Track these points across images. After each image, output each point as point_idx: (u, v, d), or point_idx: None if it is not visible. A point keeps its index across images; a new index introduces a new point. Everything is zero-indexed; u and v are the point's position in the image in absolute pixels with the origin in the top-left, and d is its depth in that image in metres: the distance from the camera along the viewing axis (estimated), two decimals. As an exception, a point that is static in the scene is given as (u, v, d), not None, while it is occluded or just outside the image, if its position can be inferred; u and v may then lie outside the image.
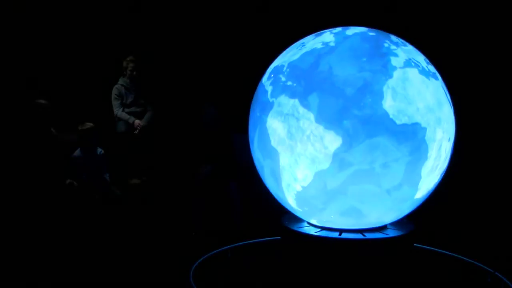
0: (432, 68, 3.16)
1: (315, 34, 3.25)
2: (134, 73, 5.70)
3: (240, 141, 4.53)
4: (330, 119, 2.86)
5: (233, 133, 5.34)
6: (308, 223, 3.38)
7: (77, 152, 4.99)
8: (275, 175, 3.14)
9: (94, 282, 3.66)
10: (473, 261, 3.87)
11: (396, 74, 2.93)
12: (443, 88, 3.15)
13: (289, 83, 3.00)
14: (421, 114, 2.92)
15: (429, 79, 3.04)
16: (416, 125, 2.91)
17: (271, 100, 3.07)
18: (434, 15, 5.53)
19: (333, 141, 2.86)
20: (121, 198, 5.08)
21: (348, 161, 2.87)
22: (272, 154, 3.07)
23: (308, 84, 2.95)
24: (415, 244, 3.52)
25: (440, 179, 3.23)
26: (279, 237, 3.52)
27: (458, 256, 3.97)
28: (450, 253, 4.02)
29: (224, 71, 6.10)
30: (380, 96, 2.86)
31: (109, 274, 3.77)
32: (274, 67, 3.22)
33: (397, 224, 3.40)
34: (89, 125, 4.99)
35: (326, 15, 5.44)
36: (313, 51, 3.07)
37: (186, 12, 6.16)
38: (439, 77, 3.17)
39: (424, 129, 2.94)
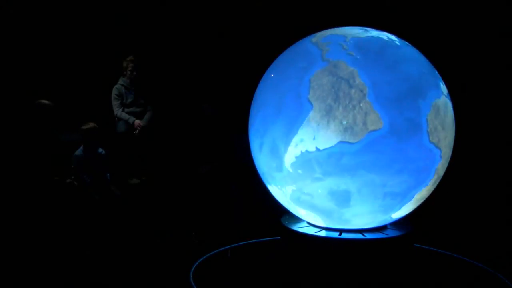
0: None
1: (375, 29, 3.29)
2: (134, 73, 5.71)
3: (239, 142, 4.53)
4: (382, 101, 2.89)
5: (232, 133, 5.34)
6: (308, 223, 3.38)
7: (79, 151, 5.00)
8: (291, 126, 3.02)
9: (94, 282, 3.66)
10: (473, 261, 3.87)
11: (442, 98, 3.11)
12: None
13: (352, 53, 3.00)
14: (444, 145, 3.08)
15: (454, 119, 3.25)
16: (438, 150, 3.05)
17: (325, 59, 3.03)
18: (434, 15, 5.54)
19: (375, 122, 2.87)
20: (121, 198, 5.09)
21: (377, 147, 2.88)
22: (303, 106, 2.98)
23: (373, 62, 2.98)
24: (415, 244, 3.52)
25: (405, 214, 3.28)
26: (279, 237, 3.52)
27: (458, 256, 3.97)
28: (450, 253, 4.03)
29: (224, 71, 6.11)
30: (427, 107, 2.98)
31: (109, 274, 3.77)
32: (331, 35, 3.18)
33: (397, 224, 3.40)
34: (91, 124, 5.00)
35: (324, 16, 5.46)
36: (379, 38, 3.13)
37: (186, 12, 6.17)
38: None
39: (440, 159, 3.08)
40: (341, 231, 3.24)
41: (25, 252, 4.08)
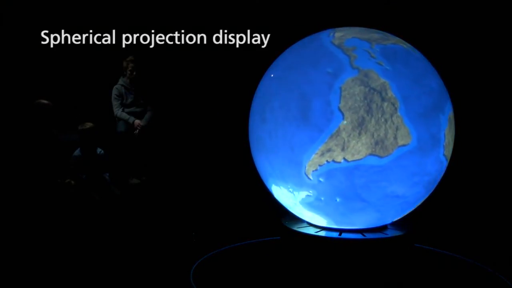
0: None
1: (390, 33, 3.28)
2: (134, 73, 5.71)
3: None
4: (412, 116, 2.90)
5: None
6: (308, 223, 3.38)
7: (77, 152, 4.99)
8: (318, 134, 2.92)
9: (94, 282, 3.66)
10: (473, 261, 3.87)
11: (451, 113, 3.20)
12: None
13: (381, 63, 2.96)
14: (449, 156, 3.19)
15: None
16: (445, 162, 3.16)
17: (354, 67, 2.95)
18: (434, 14, 5.54)
19: (404, 137, 2.89)
20: (121, 198, 5.08)
21: (403, 162, 2.91)
22: (334, 115, 2.90)
23: (402, 74, 2.97)
24: (415, 244, 3.52)
25: (391, 222, 3.35)
26: (279, 237, 3.52)
27: (458, 256, 3.97)
28: (450, 253, 4.03)
29: (223, 71, 6.11)
30: (445, 121, 3.07)
31: (109, 274, 3.77)
32: (353, 38, 3.09)
33: (397, 224, 3.40)
34: (89, 125, 5.00)
35: (324, 15, 5.46)
36: (401, 47, 3.12)
37: (185, 12, 6.17)
38: None
39: (445, 168, 3.21)
40: (341, 231, 3.24)
41: (25, 252, 4.08)
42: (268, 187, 3.39)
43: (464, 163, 4.53)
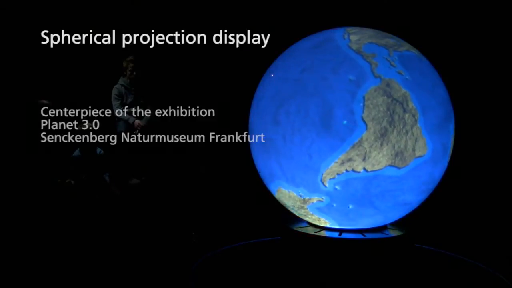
0: None
1: (402, 39, 3.26)
2: (134, 73, 5.70)
3: None
4: (429, 127, 2.94)
5: None
6: (308, 222, 3.38)
7: (76, 152, 4.99)
8: (340, 143, 2.89)
9: (94, 282, 3.65)
10: (473, 261, 3.87)
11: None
12: None
13: (401, 72, 2.95)
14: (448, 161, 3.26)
15: None
16: (446, 167, 3.23)
17: (377, 75, 2.92)
18: (434, 14, 5.54)
19: (421, 148, 2.92)
20: (121, 198, 5.08)
21: (417, 173, 2.95)
22: (357, 125, 2.87)
23: (420, 84, 2.97)
24: (415, 244, 3.53)
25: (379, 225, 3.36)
26: (279, 237, 3.52)
27: (458, 256, 3.97)
28: (450, 253, 4.02)
29: (223, 71, 6.11)
30: (452, 130, 3.16)
31: (109, 274, 3.77)
32: (370, 43, 3.04)
33: (397, 224, 3.41)
34: (88, 125, 4.99)
35: (324, 15, 5.46)
36: (414, 54, 3.12)
37: (185, 12, 6.17)
38: None
39: (444, 171, 3.25)
40: (341, 231, 3.24)
41: (25, 252, 4.08)
42: (272, 188, 3.37)
43: (463, 163, 4.52)
